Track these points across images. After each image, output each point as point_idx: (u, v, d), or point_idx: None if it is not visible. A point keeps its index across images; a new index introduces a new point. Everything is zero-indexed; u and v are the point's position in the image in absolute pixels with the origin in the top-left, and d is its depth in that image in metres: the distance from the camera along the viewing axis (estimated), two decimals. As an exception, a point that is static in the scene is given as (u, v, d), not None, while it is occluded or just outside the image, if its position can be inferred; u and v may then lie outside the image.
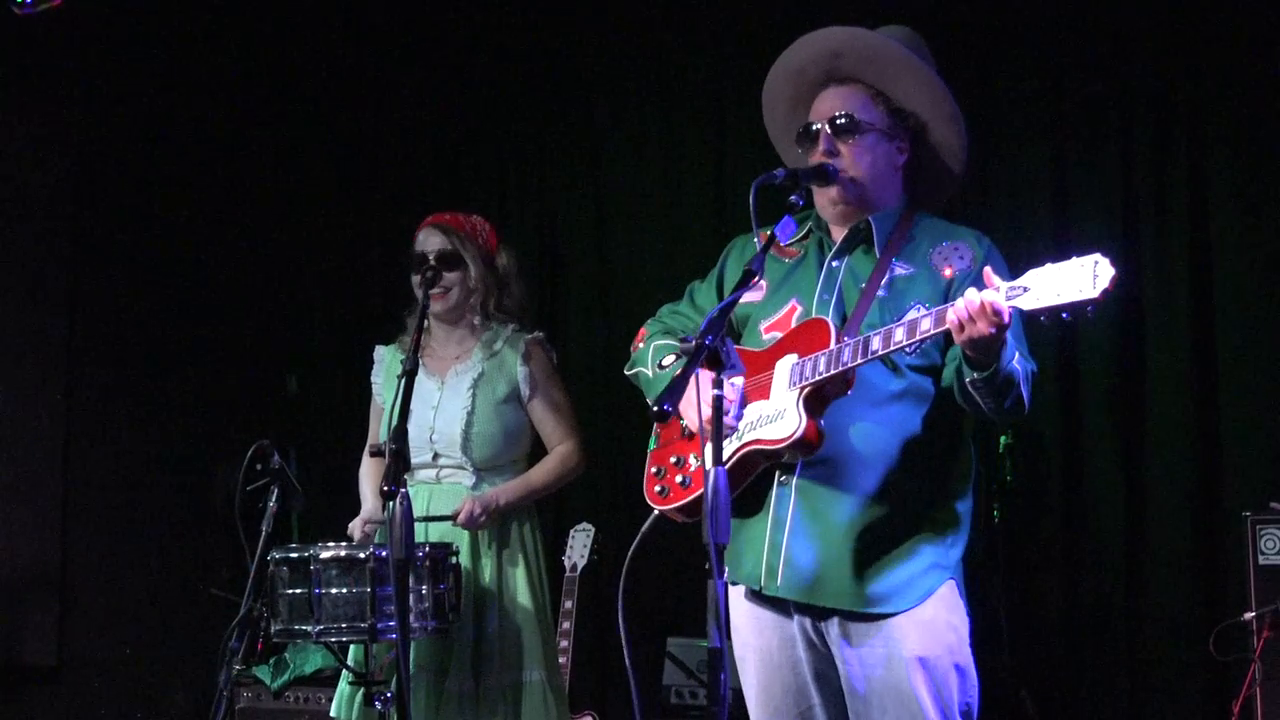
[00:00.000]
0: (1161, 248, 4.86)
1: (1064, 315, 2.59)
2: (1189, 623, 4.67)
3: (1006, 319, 2.63)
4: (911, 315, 2.80)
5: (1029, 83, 5.08)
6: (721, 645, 2.54)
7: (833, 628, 2.95)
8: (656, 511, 3.04)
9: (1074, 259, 2.57)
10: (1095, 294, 2.53)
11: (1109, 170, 4.95)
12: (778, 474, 2.96)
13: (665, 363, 3.15)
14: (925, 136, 3.08)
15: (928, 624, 2.90)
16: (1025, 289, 2.61)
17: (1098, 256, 2.54)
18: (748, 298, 3.11)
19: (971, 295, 2.65)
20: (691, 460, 3.03)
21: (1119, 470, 4.87)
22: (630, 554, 2.89)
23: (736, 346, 3.05)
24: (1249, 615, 4.24)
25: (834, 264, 3.06)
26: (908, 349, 2.82)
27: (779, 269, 3.13)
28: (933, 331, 2.72)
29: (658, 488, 3.08)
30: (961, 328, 2.66)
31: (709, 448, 2.59)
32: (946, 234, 3.04)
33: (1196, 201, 4.81)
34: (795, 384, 2.88)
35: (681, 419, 3.06)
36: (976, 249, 2.99)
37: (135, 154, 5.77)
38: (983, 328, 2.64)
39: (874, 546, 2.91)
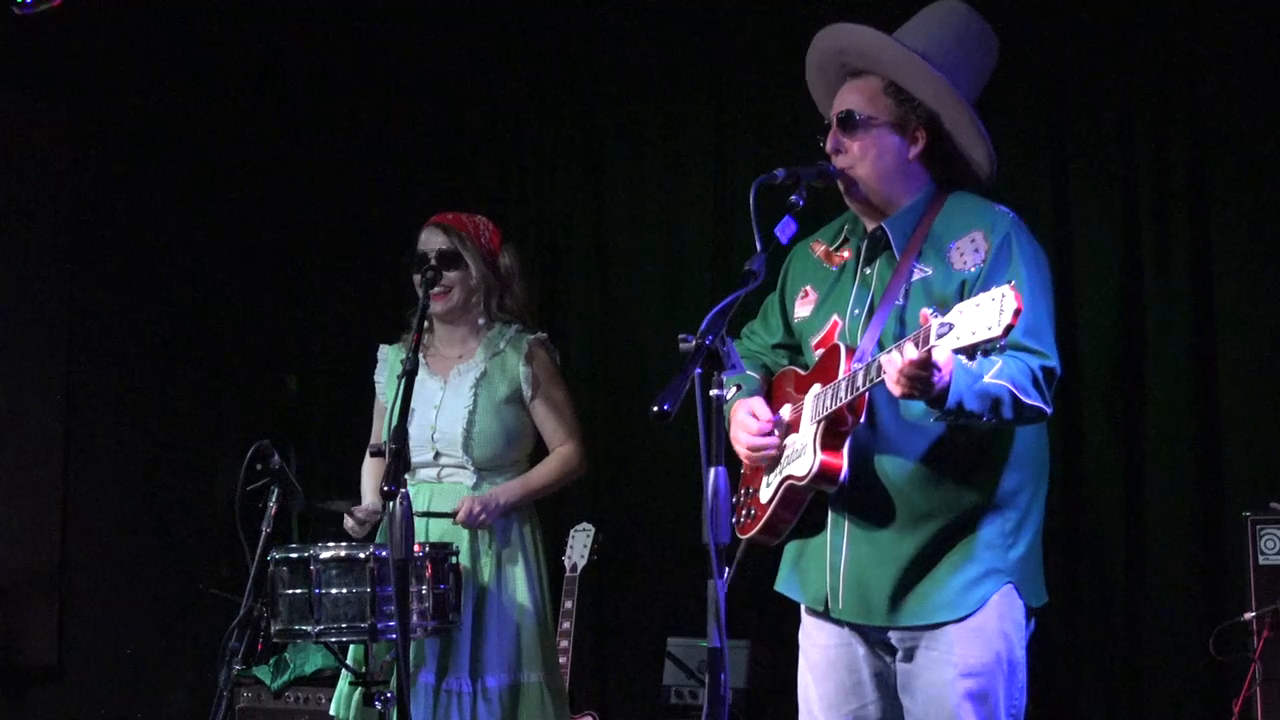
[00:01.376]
0: (1161, 248, 4.86)
1: (978, 354, 2.55)
2: (1189, 623, 4.66)
3: (922, 371, 2.62)
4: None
5: (1029, 82, 5.07)
6: (722, 645, 2.54)
7: (889, 639, 2.98)
8: (744, 540, 3.08)
9: (990, 291, 2.52)
10: (999, 331, 2.47)
11: (1109, 168, 4.95)
12: (829, 501, 2.99)
13: (728, 394, 3.16)
14: (940, 125, 3.06)
15: (977, 631, 2.91)
16: (950, 327, 2.56)
17: (1005, 289, 2.49)
18: (800, 313, 3.16)
19: (894, 358, 2.66)
20: (758, 492, 3.08)
21: (1119, 470, 4.87)
22: (728, 579, 2.88)
23: (794, 367, 3.13)
24: (1249, 615, 4.24)
25: (866, 271, 3.06)
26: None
27: (825, 279, 3.14)
28: (876, 379, 2.75)
29: (734, 518, 3.11)
30: (897, 384, 2.68)
31: (713, 448, 2.62)
32: (970, 220, 2.99)
33: (1197, 201, 4.81)
34: (814, 419, 2.92)
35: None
36: (991, 238, 2.94)
37: (135, 154, 5.77)
38: (910, 387, 2.66)
39: (927, 564, 2.92)
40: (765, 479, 3.06)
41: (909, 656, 2.96)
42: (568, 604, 4.92)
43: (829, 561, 2.99)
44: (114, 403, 5.69)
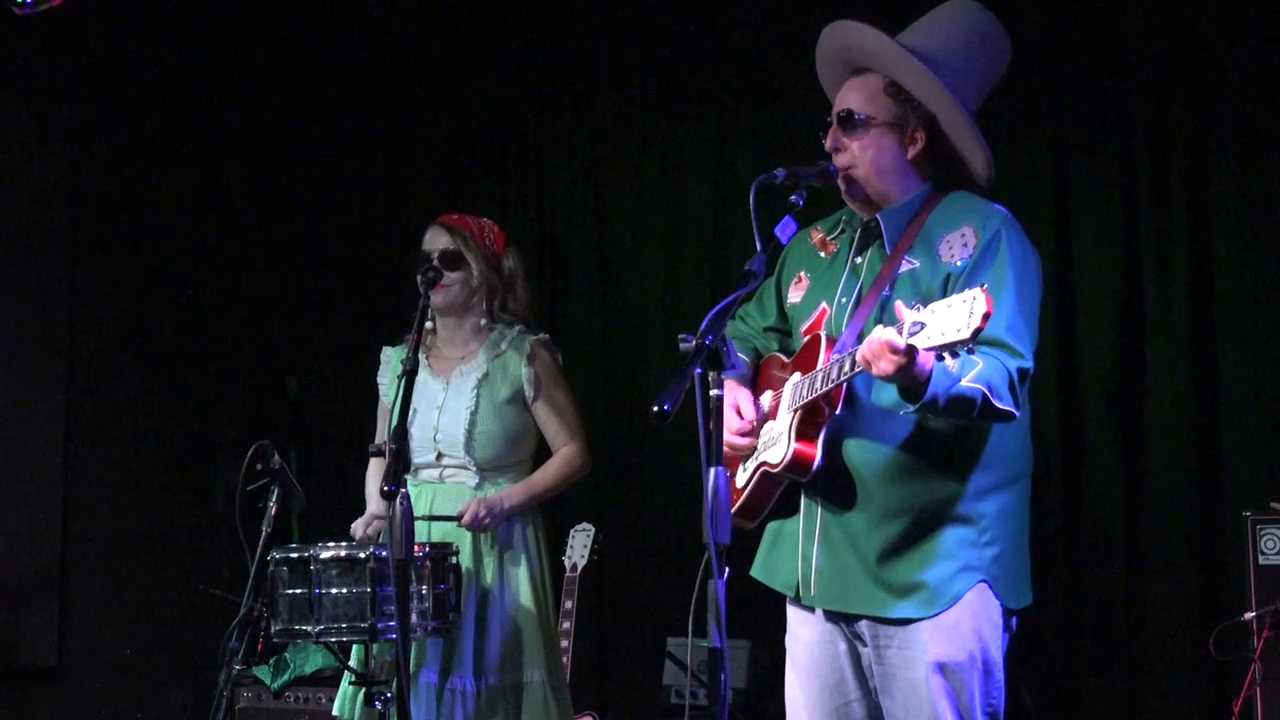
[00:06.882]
0: (1161, 247, 4.86)
1: (947, 354, 2.58)
2: (1189, 623, 4.66)
3: (904, 359, 2.62)
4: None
5: (1029, 81, 5.07)
6: (722, 645, 2.55)
7: (863, 630, 2.99)
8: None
9: (963, 293, 2.54)
10: (967, 334, 2.50)
11: (1109, 170, 4.94)
12: (803, 488, 3.01)
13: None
14: (938, 123, 3.06)
15: (950, 629, 2.92)
16: (922, 325, 2.59)
17: (977, 292, 2.51)
18: (793, 298, 3.19)
19: (875, 333, 2.67)
20: (734, 478, 3.09)
21: (1119, 470, 4.87)
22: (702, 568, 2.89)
23: (779, 354, 3.15)
24: (1249, 615, 4.23)
25: (857, 260, 3.09)
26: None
27: (818, 266, 3.17)
28: (853, 373, 2.76)
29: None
30: (869, 366, 2.69)
31: (713, 449, 2.62)
32: (962, 216, 3.00)
33: (1197, 200, 4.81)
34: (790, 407, 2.94)
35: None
36: (981, 234, 2.94)
37: (135, 153, 5.76)
38: (885, 366, 2.65)
39: (900, 553, 2.93)
40: (742, 465, 3.10)
41: (880, 654, 2.97)
42: (568, 604, 4.92)
43: (800, 549, 3.02)
44: (114, 403, 5.68)
